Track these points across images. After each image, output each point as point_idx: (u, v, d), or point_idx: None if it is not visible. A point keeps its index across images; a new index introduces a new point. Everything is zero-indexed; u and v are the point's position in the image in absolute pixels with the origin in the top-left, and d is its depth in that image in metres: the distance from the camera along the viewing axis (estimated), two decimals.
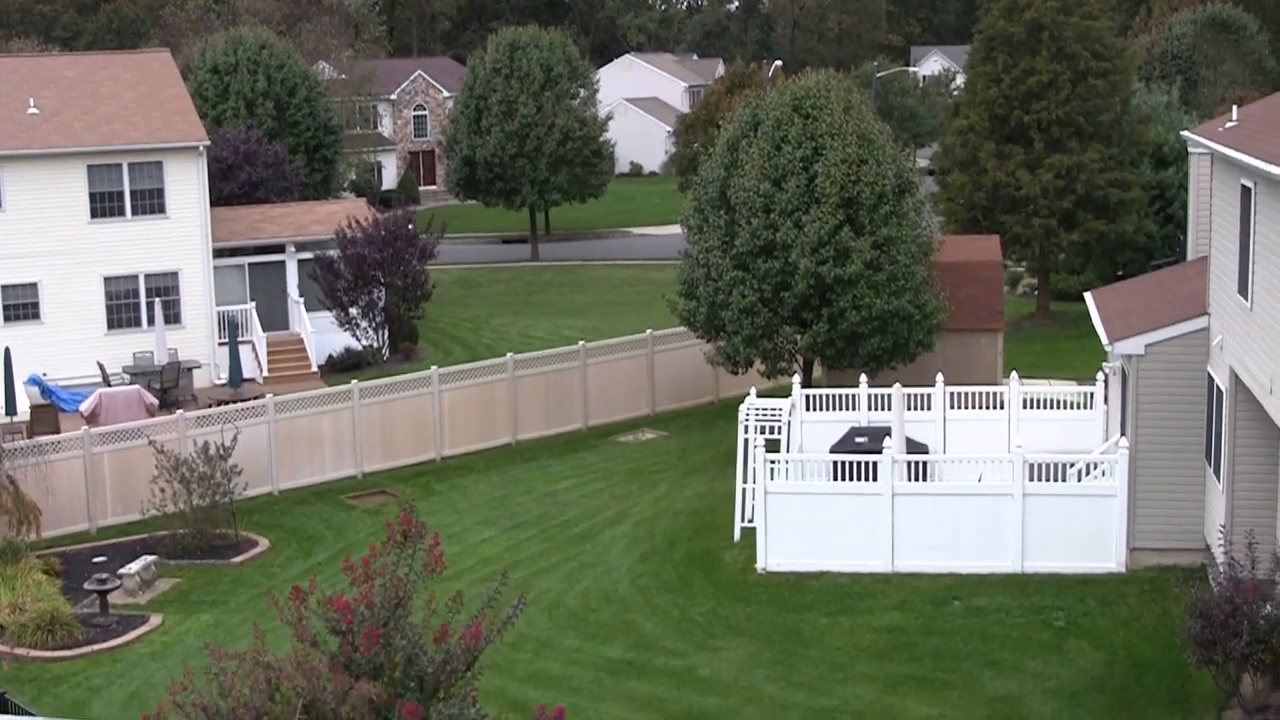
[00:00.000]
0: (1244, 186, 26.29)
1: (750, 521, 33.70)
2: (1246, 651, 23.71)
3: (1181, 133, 33.73)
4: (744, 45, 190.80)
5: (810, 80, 41.97)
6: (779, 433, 35.75)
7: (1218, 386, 29.11)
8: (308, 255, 55.51)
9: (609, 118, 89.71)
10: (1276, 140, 24.46)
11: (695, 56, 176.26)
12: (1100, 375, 36.68)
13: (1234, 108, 30.64)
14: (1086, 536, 31.13)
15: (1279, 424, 23.75)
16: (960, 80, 73.52)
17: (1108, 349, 31.36)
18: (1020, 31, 56.58)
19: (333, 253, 53.91)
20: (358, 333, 53.82)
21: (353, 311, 53.43)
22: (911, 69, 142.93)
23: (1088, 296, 35.93)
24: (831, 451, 35.20)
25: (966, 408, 38.27)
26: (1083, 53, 55.98)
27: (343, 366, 54.18)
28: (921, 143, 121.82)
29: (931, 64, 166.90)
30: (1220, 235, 29.17)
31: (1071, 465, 32.43)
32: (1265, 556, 25.66)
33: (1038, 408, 38.17)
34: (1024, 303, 63.40)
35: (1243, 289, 26.49)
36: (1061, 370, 48.05)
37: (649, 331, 48.22)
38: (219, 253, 54.12)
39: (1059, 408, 38.24)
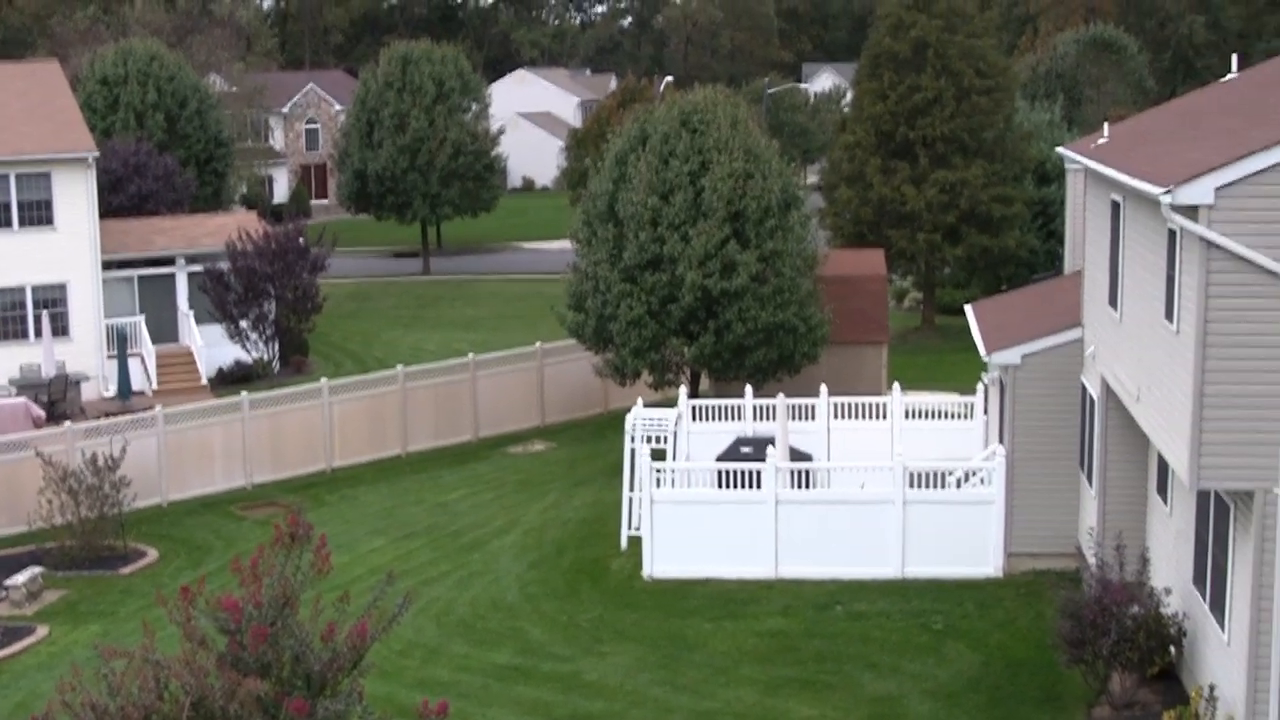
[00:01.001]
0: (1114, 202, 27.12)
1: (637, 530, 34.16)
2: (1114, 650, 24.51)
3: (1057, 149, 34.60)
4: (637, 61, 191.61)
5: (698, 95, 42.58)
6: (665, 442, 36.27)
7: (1090, 395, 29.93)
8: (198, 268, 55.41)
9: (501, 132, 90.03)
10: (1143, 156, 25.28)
11: (588, 72, 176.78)
12: (980, 385, 37.45)
13: (1105, 125, 31.52)
14: (965, 542, 31.85)
15: (1146, 431, 24.51)
16: (850, 97, 74.40)
17: (986, 360, 32.13)
18: (906, 49, 57.58)
19: (223, 265, 53.85)
20: (248, 345, 53.82)
21: (243, 324, 53.42)
22: (802, 85, 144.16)
23: (968, 309, 36.72)
24: (717, 461, 35.75)
25: (850, 418, 38.93)
26: (967, 70, 57.09)
27: (233, 379, 54.14)
28: (812, 159, 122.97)
29: (823, 81, 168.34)
30: (1093, 249, 30.02)
31: (951, 473, 33.16)
32: (1133, 558, 26.51)
33: (920, 418, 38.89)
34: (910, 316, 64.42)
35: (1113, 301, 27.31)
36: (946, 382, 48.79)
37: (538, 344, 48.66)
38: (108, 265, 53.91)
39: (940, 418, 38.97)
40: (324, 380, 44.58)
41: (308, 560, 16.59)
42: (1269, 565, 20.76)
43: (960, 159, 57.08)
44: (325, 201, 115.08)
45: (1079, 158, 29.80)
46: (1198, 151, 22.60)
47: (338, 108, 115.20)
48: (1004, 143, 58.40)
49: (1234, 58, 31.35)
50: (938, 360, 54.12)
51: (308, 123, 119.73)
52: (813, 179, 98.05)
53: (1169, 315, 22.30)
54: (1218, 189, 20.13)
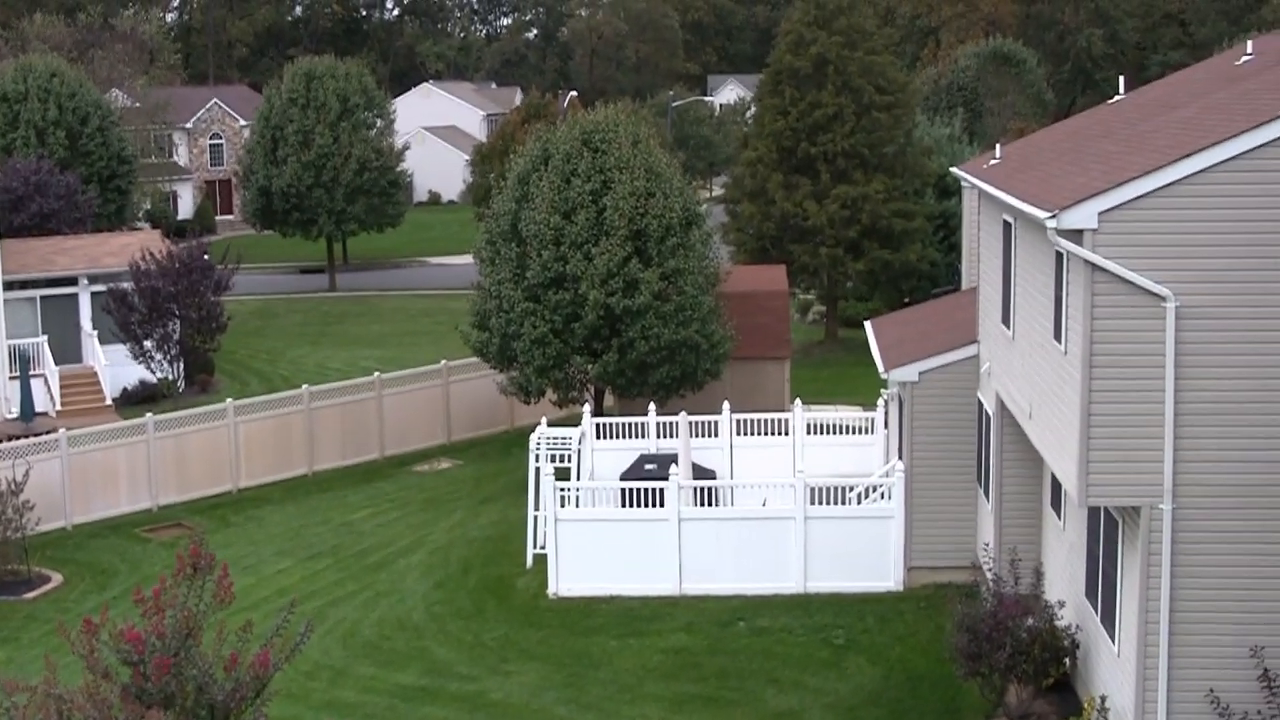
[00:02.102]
0: (1005, 222, 27.69)
1: (542, 548, 34.41)
2: (1010, 663, 25.02)
3: (951, 169, 35.17)
4: (543, 73, 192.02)
5: (599, 115, 42.92)
6: (569, 461, 36.55)
7: (986, 411, 30.48)
8: (101, 288, 55.10)
9: (406, 148, 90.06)
10: (1032, 179, 25.83)
11: (494, 85, 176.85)
12: (881, 401, 37.97)
13: (998, 146, 32.11)
14: (866, 557, 32.34)
15: (1038, 448, 25.04)
16: (753, 112, 75.10)
17: (884, 377, 32.62)
18: (806, 66, 58.16)
19: (126, 285, 53.58)
20: (152, 365, 53.59)
21: (147, 344, 53.16)
22: (707, 98, 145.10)
23: (867, 325, 37.24)
24: (622, 479, 36.09)
25: (753, 434, 39.38)
26: (867, 87, 57.76)
27: (138, 399, 53.88)
28: (718, 171, 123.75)
29: (728, 92, 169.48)
30: (986, 267, 30.60)
31: (852, 489, 33.64)
32: (1028, 572, 27.07)
33: (821, 433, 39.37)
34: (814, 329, 65.02)
35: (1005, 319, 27.87)
36: (849, 395, 49.33)
37: (444, 361, 48.85)
38: (9, 285, 53.49)
39: (842, 433, 39.47)
40: (229, 401, 44.55)
41: (210, 590, 16.77)
42: (1155, 579, 21.30)
43: (861, 174, 57.72)
44: (231, 217, 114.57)
45: (972, 179, 30.37)
46: (1083, 176, 23.15)
47: (242, 123, 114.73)
48: (904, 157, 59.10)
49: (1120, 80, 32.00)
50: (841, 373, 54.69)
51: (212, 138, 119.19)
52: (719, 190, 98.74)
53: (1057, 336, 22.83)
54: (1100, 213, 20.65)
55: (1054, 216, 20.81)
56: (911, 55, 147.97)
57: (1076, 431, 21.34)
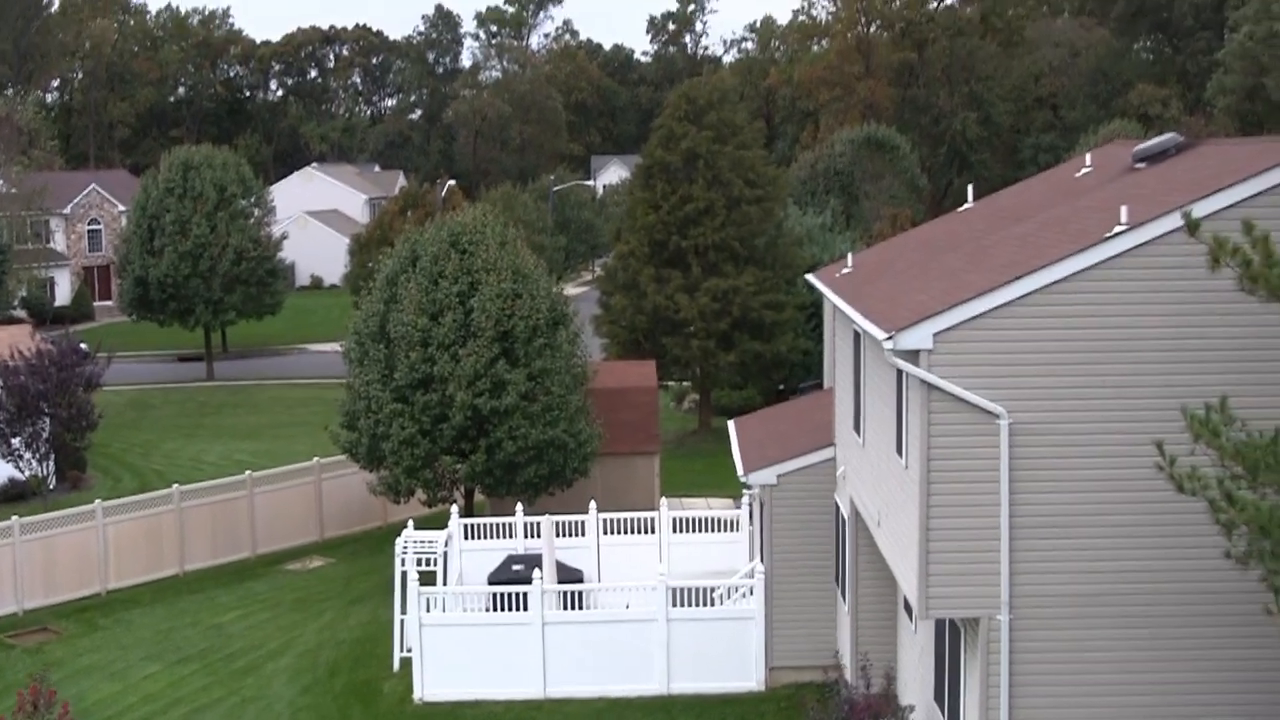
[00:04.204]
0: (855, 332, 28.32)
1: (409, 651, 34.50)
2: None
3: (806, 276, 35.83)
4: (427, 155, 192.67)
5: (467, 216, 43.34)
6: (434, 564, 36.70)
7: (842, 514, 31.03)
8: None
9: (284, 236, 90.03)
10: (878, 292, 26.51)
11: (377, 167, 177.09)
12: (745, 498, 38.45)
13: (849, 256, 32.82)
14: (728, 657, 32.74)
15: (885, 556, 25.59)
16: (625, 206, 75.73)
17: (743, 480, 33.10)
18: (678, 160, 58.96)
19: None
20: (21, 464, 53.17)
21: (15, 443, 52.75)
22: (589, 181, 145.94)
23: (730, 425, 37.75)
24: (489, 579, 36.33)
25: (620, 533, 39.74)
26: (736, 180, 58.60)
27: (6, 498, 53.37)
28: (599, 254, 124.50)
29: (611, 173, 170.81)
30: (840, 372, 31.24)
31: (715, 589, 34.05)
32: (879, 675, 27.58)
33: (688, 530, 39.77)
34: (688, 418, 65.53)
35: (857, 426, 28.47)
36: (721, 487, 49.80)
37: (316, 459, 48.86)
38: None
39: (709, 530, 39.89)
40: (98, 502, 44.28)
41: None
42: (995, 686, 21.86)
43: (732, 267, 58.47)
44: (109, 303, 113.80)
45: (823, 289, 31.03)
46: (923, 293, 23.82)
47: (121, 208, 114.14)
48: (775, 249, 59.92)
49: (969, 188, 32.80)
50: (714, 463, 55.13)
51: (90, 224, 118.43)
52: (600, 273, 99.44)
53: (899, 450, 23.42)
54: (936, 334, 21.29)
55: (891, 338, 21.42)
56: (791, 138, 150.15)
57: (916, 546, 21.88)
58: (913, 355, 21.54)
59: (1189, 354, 21.28)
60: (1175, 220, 20.40)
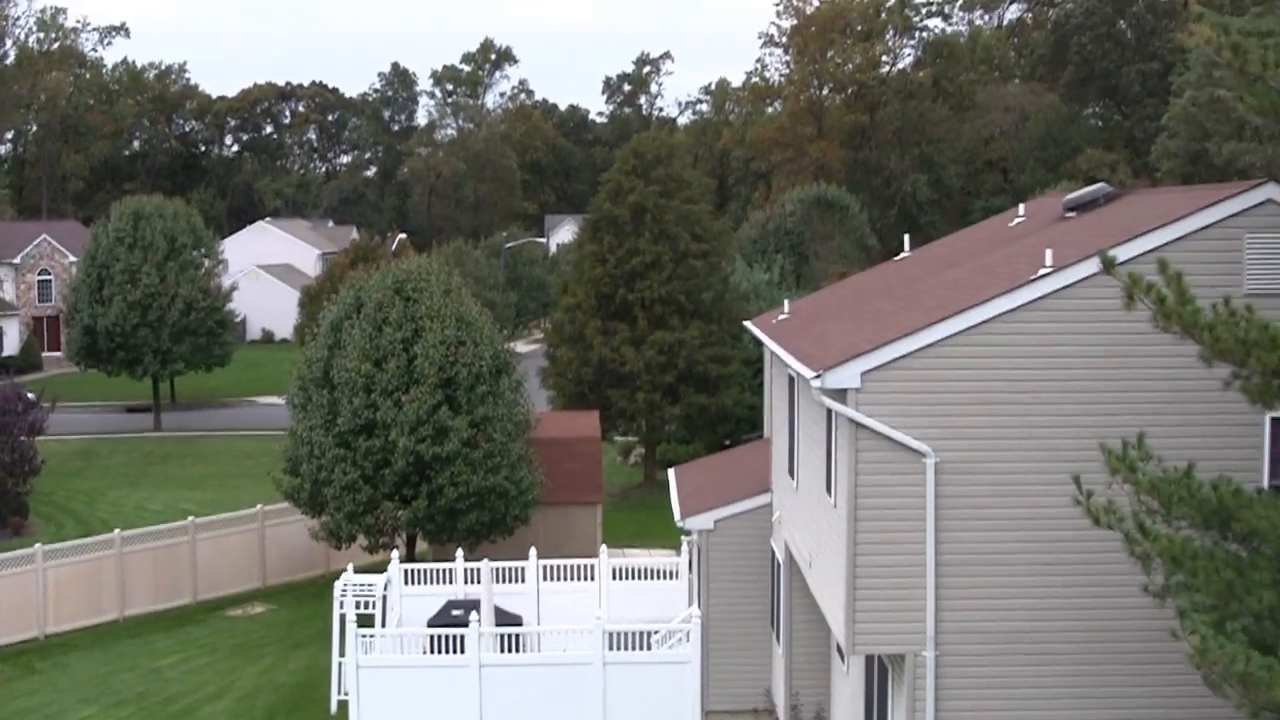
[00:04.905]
0: (789, 377, 28.69)
1: (346, 694, 34.50)
2: None
3: (744, 323, 36.22)
4: (381, 212, 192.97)
5: (412, 264, 43.64)
6: (373, 607, 36.78)
7: (777, 559, 31.31)
8: None
9: (234, 288, 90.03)
10: (811, 336, 26.90)
11: (331, 223, 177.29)
12: (684, 545, 38.67)
13: (786, 302, 33.23)
14: (665, 701, 32.75)
15: (815, 596, 25.86)
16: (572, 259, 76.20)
17: (680, 525, 33.36)
18: (625, 214, 59.43)
19: None
20: None
21: None
22: (540, 239, 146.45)
23: (670, 473, 38.03)
24: (428, 624, 36.38)
25: (560, 579, 39.87)
26: (683, 235, 59.08)
27: None
28: (550, 312, 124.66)
29: (565, 231, 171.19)
30: (776, 418, 31.59)
31: (654, 633, 34.20)
32: (811, 715, 27.80)
33: (628, 578, 39.94)
34: (634, 472, 65.73)
35: (791, 470, 28.80)
36: (664, 539, 49.92)
37: (259, 506, 48.90)
38: None
39: (648, 578, 40.06)
40: (38, 546, 44.19)
41: None
42: None
43: (678, 320, 58.86)
44: (58, 354, 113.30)
45: (759, 333, 31.41)
46: (854, 335, 24.21)
47: (71, 259, 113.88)
48: (721, 303, 60.35)
49: (906, 238, 33.28)
50: (656, 515, 55.22)
51: (40, 274, 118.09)
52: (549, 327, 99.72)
53: (828, 489, 23.74)
54: (863, 373, 21.66)
55: (819, 376, 21.76)
56: (745, 199, 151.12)
57: (844, 583, 22.17)
58: (841, 394, 21.90)
59: (1110, 394, 21.72)
60: (1097, 264, 20.82)
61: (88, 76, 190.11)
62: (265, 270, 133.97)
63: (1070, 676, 22.19)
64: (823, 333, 26.73)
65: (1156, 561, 17.86)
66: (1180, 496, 17.63)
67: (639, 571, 40.25)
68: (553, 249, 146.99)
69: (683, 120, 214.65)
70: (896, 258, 35.19)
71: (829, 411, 23.26)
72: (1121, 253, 20.86)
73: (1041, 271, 21.80)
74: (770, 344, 28.74)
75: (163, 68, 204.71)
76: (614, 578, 39.78)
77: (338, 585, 36.77)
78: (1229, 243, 21.81)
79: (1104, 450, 18.43)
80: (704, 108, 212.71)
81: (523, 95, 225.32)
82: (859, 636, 22.22)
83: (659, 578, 40.17)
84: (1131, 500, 18.37)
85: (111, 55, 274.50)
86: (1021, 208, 31.40)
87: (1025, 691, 22.20)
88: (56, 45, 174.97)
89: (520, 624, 37.30)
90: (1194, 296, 17.54)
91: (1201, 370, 19.52)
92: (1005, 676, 22.19)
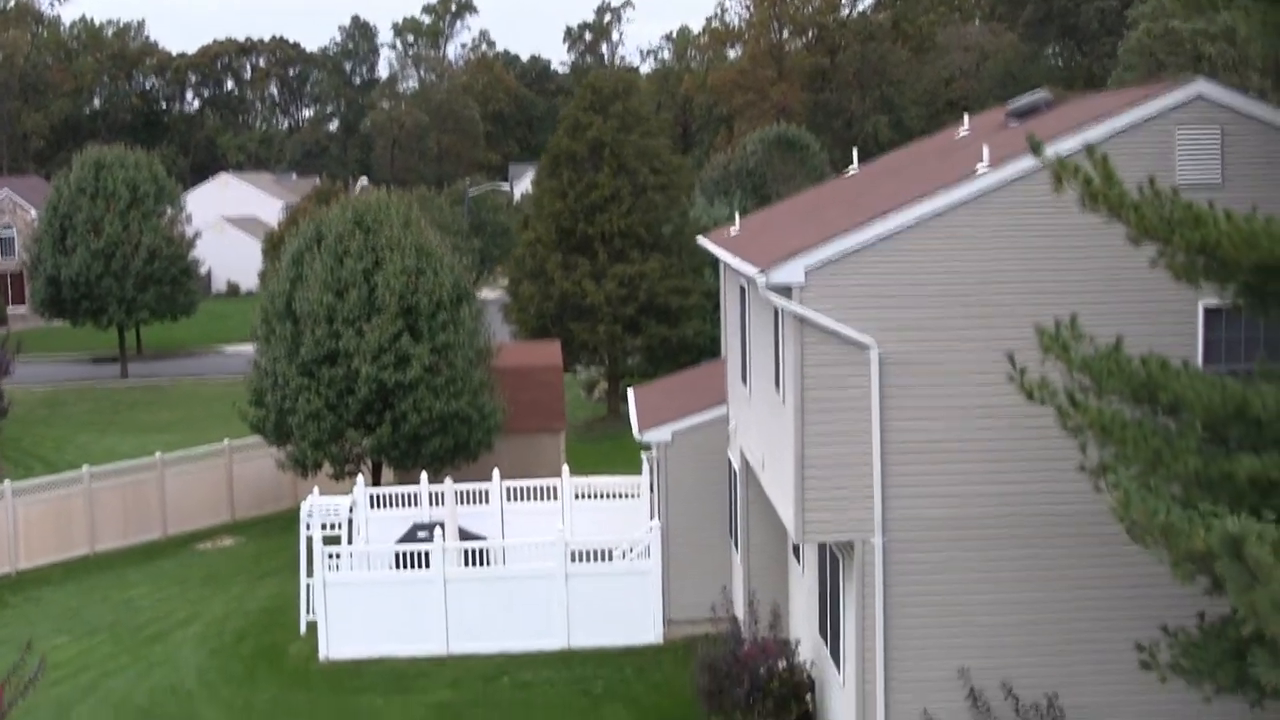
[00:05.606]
0: (741, 287, 29.30)
1: (314, 616, 35.15)
2: (749, 699, 26.37)
3: (698, 239, 36.78)
4: (344, 164, 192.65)
5: (372, 196, 44.09)
6: (340, 528, 37.39)
7: (734, 468, 31.96)
8: None
9: (197, 235, 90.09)
10: (761, 243, 27.48)
11: (294, 175, 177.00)
12: (644, 463, 39.31)
13: (736, 216, 33.81)
14: (627, 613, 33.61)
15: (769, 495, 26.51)
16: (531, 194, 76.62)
17: (639, 438, 33.99)
18: (583, 149, 59.86)
19: None
20: None
21: None
22: (504, 185, 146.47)
23: (630, 392, 38.66)
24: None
25: (524, 500, 40.53)
26: (642, 168, 59.57)
27: None
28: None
29: (529, 181, 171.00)
30: (730, 331, 32.21)
31: (615, 548, 34.89)
32: (766, 614, 28.50)
33: (590, 498, 40.62)
34: (599, 407, 66.33)
35: (744, 378, 29.44)
36: (627, 467, 50.47)
37: (226, 441, 49.39)
38: None
39: (610, 498, 40.74)
40: (7, 483, 44.64)
41: None
42: (870, 608, 22.81)
43: (638, 253, 59.39)
44: (23, 309, 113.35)
45: (710, 245, 32.00)
46: (799, 237, 24.79)
47: (34, 214, 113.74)
48: (681, 236, 60.84)
49: (854, 150, 33.81)
50: (620, 447, 55.95)
51: (2, 229, 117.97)
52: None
53: (777, 386, 24.36)
54: (807, 269, 22.24)
55: (764, 273, 22.35)
56: (708, 145, 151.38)
57: (792, 474, 22.79)
58: (786, 291, 22.45)
59: (1047, 286, 22.34)
60: (1032, 161, 21.45)
61: (45, 34, 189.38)
62: (230, 223, 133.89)
63: (1015, 560, 22.86)
64: (771, 240, 27.32)
65: (1091, 442, 18.48)
66: (1110, 370, 18.23)
67: (601, 492, 40.93)
68: (517, 197, 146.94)
69: (645, 69, 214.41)
70: (845, 172, 35.75)
71: (776, 311, 23.86)
72: (1058, 149, 21.42)
73: (979, 168, 22.41)
74: (721, 253, 29.33)
75: (121, 25, 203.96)
76: (577, 498, 40.46)
77: (304, 506, 37.36)
78: (1162, 137, 22.45)
79: (1038, 330, 19.01)
80: (666, 56, 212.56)
81: (484, 46, 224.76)
82: (809, 526, 22.83)
83: (621, 498, 40.85)
84: (1065, 379, 18.99)
85: (69, 13, 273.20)
86: (966, 119, 31.98)
87: (972, 574, 22.87)
88: (13, 3, 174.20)
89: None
90: (1120, 180, 18.11)
91: (1137, 264, 20.18)
92: (952, 561, 22.86)
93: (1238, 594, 14.65)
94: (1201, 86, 22.51)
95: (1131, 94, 24.16)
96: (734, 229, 32.86)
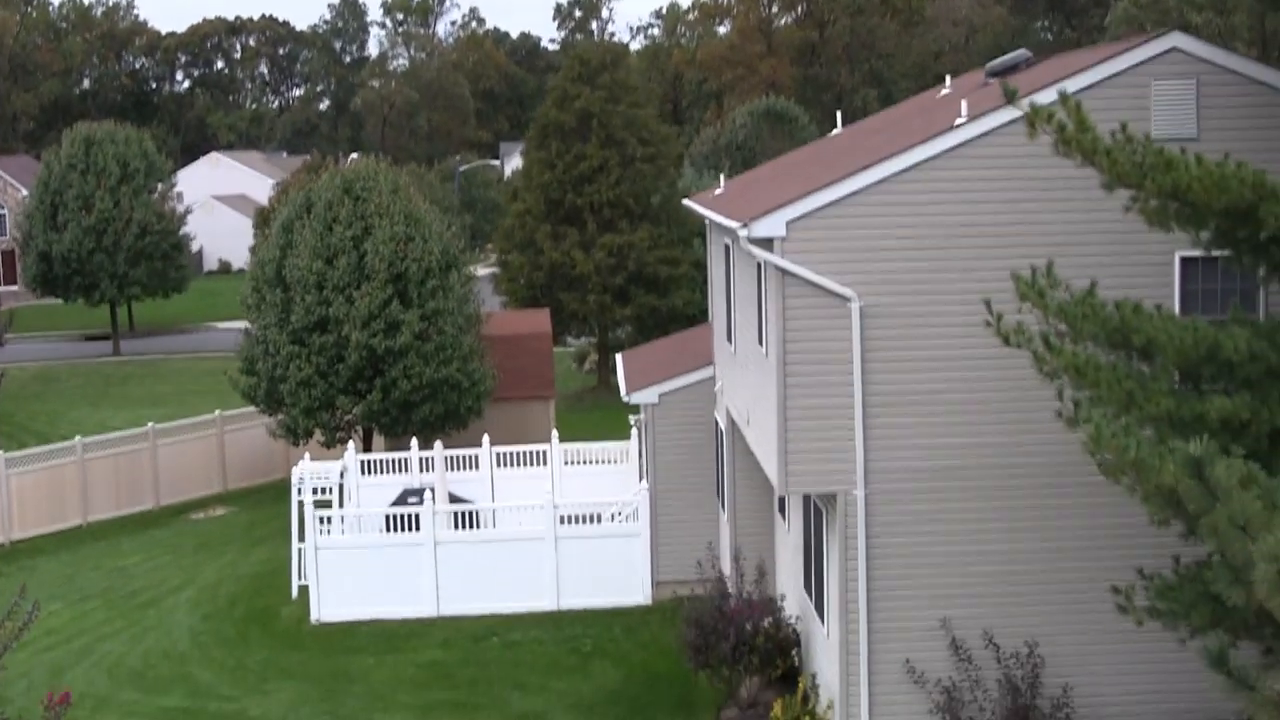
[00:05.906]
0: (725, 245, 29.56)
1: (306, 581, 35.42)
2: (735, 654, 26.66)
3: (683, 201, 37.02)
4: (335, 142, 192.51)
5: (360, 165, 44.31)
6: (331, 493, 37.66)
7: (720, 428, 32.24)
8: None
9: (188, 211, 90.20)
10: (744, 200, 27.73)
11: (285, 154, 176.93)
12: (632, 428, 39.60)
13: (721, 177, 34.06)
14: (616, 574, 33.92)
15: (754, 451, 26.78)
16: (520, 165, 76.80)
17: (626, 400, 34.27)
18: (571, 120, 60.06)
19: None
20: None
21: None
22: (494, 162, 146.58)
23: (618, 357, 38.93)
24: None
25: (513, 466, 40.81)
26: (630, 139, 59.77)
27: None
28: None
29: (518, 158, 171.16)
30: (716, 292, 32.46)
31: (604, 511, 35.19)
32: (752, 570, 28.79)
33: (579, 463, 40.90)
34: (589, 378, 66.59)
35: (729, 336, 29.71)
36: (618, 435, 50.63)
37: (218, 412, 49.65)
38: None
39: (598, 463, 41.02)
40: (0, 453, 44.90)
41: None
42: (853, 559, 23.09)
43: (627, 223, 59.64)
44: (14, 288, 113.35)
45: (697, 207, 32.25)
46: (780, 193, 25.03)
47: (24, 193, 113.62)
48: (669, 206, 61.08)
49: (838, 114, 34.06)
50: (610, 416, 56.09)
51: None
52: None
53: (760, 340, 24.63)
54: (788, 222, 22.48)
55: (745, 226, 22.60)
56: (698, 121, 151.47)
57: (775, 427, 23.06)
58: (768, 244, 22.70)
59: (1025, 238, 22.58)
60: (1009, 113, 21.71)
61: (34, 15, 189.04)
62: (220, 201, 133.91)
63: (996, 509, 23.13)
64: (754, 197, 27.55)
65: (1067, 386, 18.73)
66: (1084, 315, 18.48)
67: (591, 457, 41.20)
68: (507, 174, 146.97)
69: (635, 45, 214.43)
70: (830, 134, 36.02)
71: (759, 266, 24.11)
72: (1034, 100, 21.64)
73: (957, 121, 22.66)
74: (705, 211, 29.58)
75: (110, 4, 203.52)
76: (566, 463, 40.74)
77: (295, 472, 37.62)
78: (1138, 90, 22.68)
79: (1014, 277, 19.25)
80: (655, 32, 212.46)
81: (474, 23, 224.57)
82: (792, 478, 23.09)
83: (610, 463, 41.13)
84: (1041, 325, 19.25)
85: None
86: (948, 79, 32.25)
87: (954, 525, 23.14)
88: None
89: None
90: (1093, 125, 18.35)
91: (1115, 214, 20.45)
92: (934, 511, 23.12)
93: (1199, 515, 14.93)
94: (1177, 39, 22.74)
95: (1109, 48, 24.40)
96: (719, 190, 33.10)
